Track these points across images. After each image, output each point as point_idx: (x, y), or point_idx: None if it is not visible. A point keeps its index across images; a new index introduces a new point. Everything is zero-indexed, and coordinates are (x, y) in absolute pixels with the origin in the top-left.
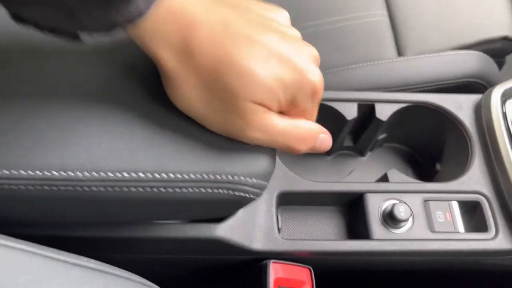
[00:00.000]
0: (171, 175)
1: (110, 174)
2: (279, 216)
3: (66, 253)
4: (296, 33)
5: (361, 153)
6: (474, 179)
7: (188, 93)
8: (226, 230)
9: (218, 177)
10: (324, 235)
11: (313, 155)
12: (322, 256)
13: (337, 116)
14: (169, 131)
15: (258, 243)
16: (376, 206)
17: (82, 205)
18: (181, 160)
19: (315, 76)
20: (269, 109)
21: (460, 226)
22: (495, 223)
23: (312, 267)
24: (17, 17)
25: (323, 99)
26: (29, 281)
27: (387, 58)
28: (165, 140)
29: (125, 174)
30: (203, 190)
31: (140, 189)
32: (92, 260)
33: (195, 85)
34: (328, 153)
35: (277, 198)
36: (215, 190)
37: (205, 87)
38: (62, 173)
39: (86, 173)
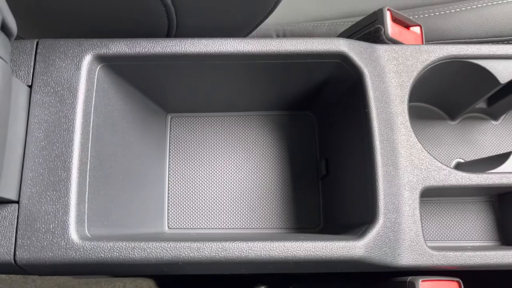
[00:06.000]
0: None
1: None
2: None
3: None
4: None
5: (494, 116)
6: None
7: None
8: (367, 247)
9: None
10: (471, 234)
11: (433, 120)
12: (476, 268)
13: (484, 78)
14: None
15: (403, 258)
16: None
17: None
18: None
19: None
20: None
21: None
22: None
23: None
24: None
25: (468, 57)
26: None
27: None
28: None
29: None
30: None
31: None
32: None
33: None
34: (453, 117)
35: (420, 196)
36: None
37: None
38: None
39: None
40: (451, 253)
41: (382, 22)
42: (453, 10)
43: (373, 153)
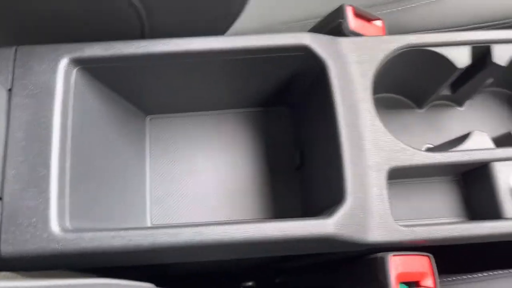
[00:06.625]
0: None
1: None
2: None
3: None
4: None
5: (459, 102)
6: None
7: None
8: (337, 224)
9: None
10: (437, 211)
11: (401, 109)
12: (447, 242)
13: (443, 64)
14: None
15: (373, 234)
16: (506, 177)
17: None
18: None
19: None
20: None
21: None
22: None
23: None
24: None
25: (426, 45)
26: None
27: None
28: None
29: None
30: None
31: None
32: None
33: None
34: (420, 105)
35: (387, 176)
36: None
37: None
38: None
39: None
40: (418, 228)
41: (344, 17)
42: (413, 5)
43: (339, 138)
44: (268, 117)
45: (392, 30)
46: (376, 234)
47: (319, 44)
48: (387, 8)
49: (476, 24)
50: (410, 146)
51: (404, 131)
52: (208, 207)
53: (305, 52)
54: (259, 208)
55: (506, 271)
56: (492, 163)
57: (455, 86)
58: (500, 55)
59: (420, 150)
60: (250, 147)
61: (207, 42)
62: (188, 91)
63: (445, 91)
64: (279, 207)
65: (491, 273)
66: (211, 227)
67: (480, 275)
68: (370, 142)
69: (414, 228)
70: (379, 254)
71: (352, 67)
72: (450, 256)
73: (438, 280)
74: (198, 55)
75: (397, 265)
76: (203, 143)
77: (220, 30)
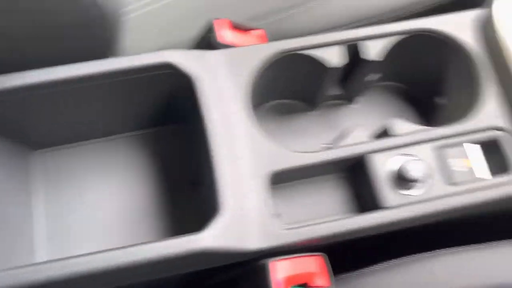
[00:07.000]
0: None
1: None
2: (273, 199)
3: None
4: None
5: (350, 100)
6: (489, 113)
7: None
8: (212, 236)
9: None
10: (329, 210)
11: (296, 113)
12: (332, 239)
13: (316, 65)
14: None
15: (254, 241)
16: (381, 167)
17: None
18: None
19: None
20: None
21: (482, 171)
22: None
23: (319, 248)
24: None
25: (295, 49)
26: None
27: None
28: None
29: None
30: None
31: None
32: None
33: None
34: (313, 107)
35: (268, 181)
36: None
37: None
38: None
39: None
40: (302, 229)
41: (212, 31)
42: (293, 11)
43: (211, 150)
44: (162, 137)
45: (277, 39)
46: (258, 241)
47: (184, 60)
48: (269, 18)
49: (355, 22)
50: (289, 150)
51: (299, 134)
52: (108, 235)
53: (171, 69)
54: (161, 229)
55: (404, 258)
56: (367, 155)
57: (343, 85)
58: (366, 51)
59: (298, 151)
60: (147, 168)
61: (69, 70)
62: (72, 121)
63: (335, 91)
64: (181, 225)
65: (385, 264)
66: (79, 259)
67: (375, 267)
68: (247, 151)
69: (298, 230)
70: (261, 261)
71: (223, 79)
72: (356, 253)
73: (333, 279)
74: (63, 84)
75: (282, 269)
76: (98, 171)
77: (101, 55)
